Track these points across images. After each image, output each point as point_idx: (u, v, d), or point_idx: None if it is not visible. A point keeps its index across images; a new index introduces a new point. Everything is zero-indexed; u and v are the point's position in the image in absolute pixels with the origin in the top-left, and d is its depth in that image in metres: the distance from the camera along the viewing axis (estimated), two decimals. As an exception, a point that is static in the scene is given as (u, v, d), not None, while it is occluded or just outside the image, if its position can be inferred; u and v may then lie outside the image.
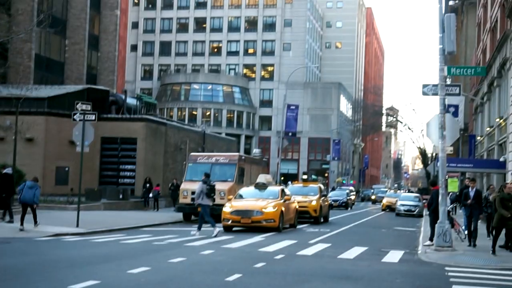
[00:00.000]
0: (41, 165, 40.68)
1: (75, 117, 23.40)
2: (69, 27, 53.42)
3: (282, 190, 25.79)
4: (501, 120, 35.71)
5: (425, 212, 33.95)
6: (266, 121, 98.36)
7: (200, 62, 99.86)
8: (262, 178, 27.88)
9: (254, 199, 24.20)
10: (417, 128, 69.43)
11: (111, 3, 57.84)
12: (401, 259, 16.13)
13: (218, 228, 21.24)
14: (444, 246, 17.51)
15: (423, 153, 71.21)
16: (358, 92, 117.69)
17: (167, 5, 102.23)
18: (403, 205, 43.01)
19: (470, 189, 19.64)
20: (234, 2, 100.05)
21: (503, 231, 17.53)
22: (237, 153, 39.51)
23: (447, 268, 14.16)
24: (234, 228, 23.32)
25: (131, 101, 52.17)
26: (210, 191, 21.55)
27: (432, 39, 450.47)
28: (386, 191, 76.03)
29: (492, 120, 40.94)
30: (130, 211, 35.50)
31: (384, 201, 53.05)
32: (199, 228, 21.31)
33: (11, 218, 22.60)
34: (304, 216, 29.11)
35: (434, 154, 64.53)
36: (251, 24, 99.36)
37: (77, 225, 22.12)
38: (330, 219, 32.70)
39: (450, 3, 66.18)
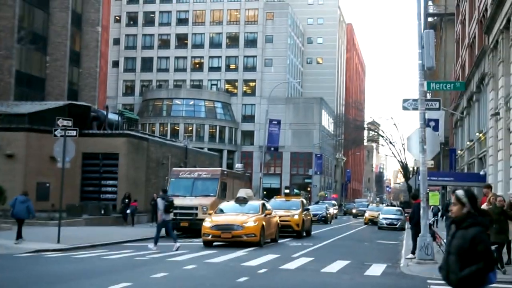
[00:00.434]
0: (22, 181, 40.29)
1: (56, 133, 23.29)
2: (50, 43, 53.23)
3: (263, 205, 25.55)
4: (481, 134, 36.11)
5: (407, 225, 34.10)
6: (248, 136, 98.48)
7: (182, 77, 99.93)
8: (242, 192, 27.59)
9: (234, 214, 23.89)
10: (398, 142, 69.74)
11: (92, 19, 57.77)
12: (384, 272, 16.19)
13: (179, 243, 21.50)
14: (426, 259, 17.61)
15: (404, 167, 71.53)
16: (339, 107, 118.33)
17: (149, 22, 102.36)
18: (385, 218, 43.14)
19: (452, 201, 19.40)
20: (216, 18, 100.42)
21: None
22: (219, 168, 39.46)
23: (429, 281, 14.23)
24: (215, 243, 23.01)
25: (112, 116, 51.95)
26: (168, 207, 21.89)
27: (412, 55, 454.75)
28: (368, 204, 76.11)
29: (472, 134, 41.37)
30: (112, 226, 35.28)
31: (367, 214, 53.15)
32: (155, 243, 21.46)
33: None
34: (286, 230, 29.05)
35: (415, 168, 64.94)
36: (233, 40, 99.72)
37: (58, 241, 21.94)
38: (312, 233, 32.69)
39: (429, 19, 67.06)
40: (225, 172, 34.44)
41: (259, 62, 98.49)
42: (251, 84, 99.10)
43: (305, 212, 31.29)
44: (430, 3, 69.69)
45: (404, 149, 65.64)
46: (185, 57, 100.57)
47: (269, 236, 24.54)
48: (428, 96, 45.04)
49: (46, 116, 42.42)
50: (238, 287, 12.64)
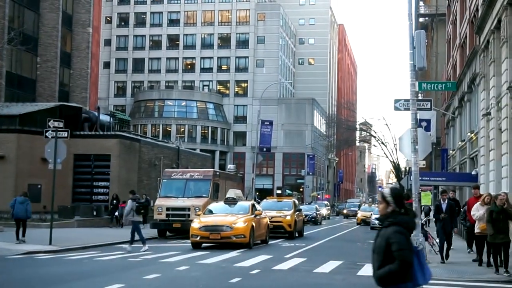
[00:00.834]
0: (13, 183, 40.16)
1: (47, 134, 23.20)
2: (40, 44, 53.04)
3: (253, 205, 25.19)
4: (472, 134, 36.22)
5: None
6: (240, 136, 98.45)
7: (174, 78, 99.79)
8: (231, 193, 27.28)
9: (223, 215, 23.54)
10: (390, 143, 69.70)
11: (83, 20, 57.62)
12: (376, 272, 16.16)
13: (148, 245, 21.62)
14: (418, 259, 17.62)
15: (396, 167, 71.58)
16: (331, 107, 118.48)
17: (140, 23, 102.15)
18: (377, 218, 43.17)
19: (442, 201, 18.63)
20: (207, 19, 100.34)
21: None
22: (211, 169, 39.42)
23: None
24: (204, 245, 22.71)
25: (104, 118, 51.83)
26: (139, 208, 22.07)
27: (403, 55, 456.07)
28: (359, 205, 75.99)
29: (463, 134, 41.50)
30: (104, 228, 35.15)
31: (359, 215, 53.18)
32: (130, 243, 21.60)
33: None
34: (278, 231, 29.02)
35: (407, 168, 65.06)
36: (224, 41, 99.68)
37: (50, 243, 21.85)
38: (304, 234, 32.66)
39: (421, 20, 67.22)
40: (218, 173, 34.39)
41: (251, 63, 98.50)
42: (243, 85, 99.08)
43: (297, 212, 31.18)
44: (421, 3, 69.84)
45: (396, 150, 65.73)
46: (176, 58, 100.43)
47: (259, 237, 24.25)
48: (420, 97, 45.16)
49: (37, 117, 42.29)
50: (231, 287, 12.61)
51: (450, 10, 52.18)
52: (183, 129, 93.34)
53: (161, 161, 49.16)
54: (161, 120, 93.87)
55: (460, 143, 42.67)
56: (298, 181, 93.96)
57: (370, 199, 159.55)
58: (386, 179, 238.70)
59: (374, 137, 73.45)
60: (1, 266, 16.38)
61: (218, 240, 22.13)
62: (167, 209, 29.14)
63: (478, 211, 16.62)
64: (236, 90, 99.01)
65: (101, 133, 46.40)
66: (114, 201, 37.77)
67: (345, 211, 73.03)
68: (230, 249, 21.20)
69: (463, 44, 41.72)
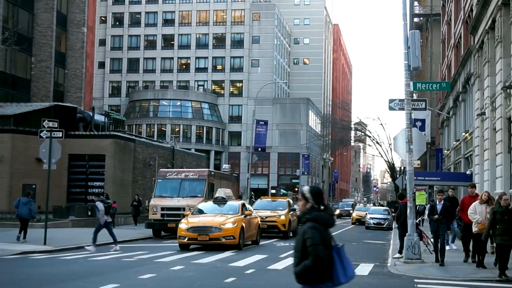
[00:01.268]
0: (8, 183, 40.09)
1: (41, 134, 23.18)
2: (35, 44, 52.93)
3: (243, 205, 24.49)
4: (467, 134, 36.31)
5: (394, 225, 34.20)
6: (235, 136, 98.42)
7: (169, 78, 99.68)
8: (221, 192, 26.49)
9: (212, 215, 22.85)
10: (385, 142, 69.91)
11: (77, 20, 57.51)
12: (371, 271, 16.23)
13: (119, 245, 21.65)
14: (413, 259, 17.66)
15: (391, 167, 71.78)
16: (326, 107, 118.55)
17: (134, 23, 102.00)
18: (372, 218, 43.30)
19: (437, 202, 17.94)
20: (202, 19, 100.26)
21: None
22: (206, 169, 39.39)
23: (416, 280, 14.28)
24: (192, 246, 22.09)
25: (99, 118, 51.76)
26: (107, 209, 22.22)
27: (398, 55, 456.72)
28: (353, 204, 75.77)
29: (458, 134, 41.59)
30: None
31: (354, 214, 53.27)
32: (93, 241, 21.71)
33: None
34: (273, 231, 28.93)
35: (402, 168, 65.18)
36: (219, 41, 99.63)
37: (45, 243, 21.81)
38: None
39: (415, 20, 67.34)
40: (212, 172, 34.39)
41: (245, 63, 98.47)
42: (238, 84, 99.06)
43: (292, 212, 30.89)
44: (416, 3, 69.98)
45: (391, 149, 65.89)
46: (171, 58, 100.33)
47: (250, 238, 23.64)
48: (415, 96, 45.25)
49: (31, 117, 42.21)
50: (226, 287, 12.61)
51: (444, 10, 52.28)
52: (178, 129, 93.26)
53: (156, 161, 49.13)
54: (156, 120, 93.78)
55: (454, 142, 42.77)
56: (293, 181, 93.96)
57: (365, 198, 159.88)
58: (381, 178, 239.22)
59: (369, 136, 73.62)
60: (-4, 266, 16.34)
61: (207, 242, 21.46)
62: (162, 209, 29.13)
63: (476, 210, 16.31)
64: (231, 90, 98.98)
65: (96, 133, 46.35)
66: None
67: (337, 211, 71.39)
68: (221, 250, 20.77)
69: (458, 44, 41.81)
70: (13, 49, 43.99)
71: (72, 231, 30.75)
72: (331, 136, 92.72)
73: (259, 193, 77.44)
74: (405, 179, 26.39)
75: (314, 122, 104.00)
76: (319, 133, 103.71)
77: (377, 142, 70.18)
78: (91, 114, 49.56)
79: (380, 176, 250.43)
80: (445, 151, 48.68)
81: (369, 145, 79.84)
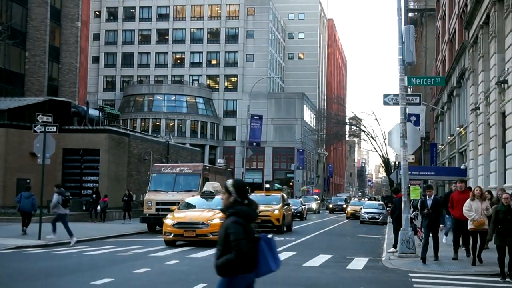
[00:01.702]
0: (2, 178, 39.98)
1: (36, 128, 23.11)
2: (29, 38, 52.72)
3: None
4: (461, 129, 36.41)
5: (389, 219, 34.28)
6: (230, 131, 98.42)
7: (163, 73, 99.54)
8: (209, 186, 25.58)
9: (199, 210, 22.17)
10: (380, 137, 69.92)
11: (71, 15, 57.28)
12: (366, 266, 16.27)
13: (75, 238, 21.51)
14: (408, 253, 17.72)
15: (386, 161, 71.88)
16: (321, 102, 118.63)
17: (129, 17, 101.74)
18: (367, 212, 43.37)
19: (427, 197, 17.22)
20: (196, 13, 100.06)
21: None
22: (201, 163, 39.40)
23: (410, 275, 14.33)
24: (178, 243, 21.26)
25: (93, 112, 51.61)
26: (65, 201, 22.31)
27: (393, 50, 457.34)
28: (345, 199, 75.61)
29: (452, 128, 41.70)
30: (93, 222, 35.06)
31: (349, 209, 53.31)
32: (53, 231, 22.05)
33: None
34: (266, 226, 28.41)
35: (396, 163, 65.27)
36: (214, 36, 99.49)
37: (39, 237, 21.79)
38: (293, 228, 32.58)
39: (410, 15, 67.41)
40: (207, 167, 34.38)
41: (240, 58, 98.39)
42: (233, 79, 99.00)
43: (286, 207, 30.71)
44: (410, -2, 69.96)
45: (385, 144, 65.96)
46: (166, 53, 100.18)
47: None
48: (409, 91, 45.31)
49: (25, 112, 42.08)
50: (220, 282, 12.61)
51: (439, 5, 52.32)
52: (172, 124, 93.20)
53: (151, 155, 49.07)
54: (150, 114, 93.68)
55: (449, 137, 42.88)
56: (288, 175, 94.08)
57: (360, 193, 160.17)
58: (375, 173, 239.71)
59: (364, 131, 73.69)
60: (-10, 261, 16.32)
61: (193, 238, 20.62)
62: (157, 203, 29.13)
63: (472, 207, 15.84)
64: (226, 85, 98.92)
65: (90, 127, 46.23)
66: (94, 196, 37.41)
67: (331, 206, 71.22)
68: (209, 247, 19.68)
69: (452, 39, 41.88)
70: (7, 43, 43.78)
71: (67, 226, 30.67)
72: (326, 130, 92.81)
73: (254, 187, 77.48)
74: (399, 173, 26.45)
75: (309, 116, 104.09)
76: (314, 127, 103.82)
77: (372, 137, 70.29)
78: (85, 108, 49.43)
79: (374, 170, 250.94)
80: (440, 146, 48.82)
81: (363, 139, 79.94)
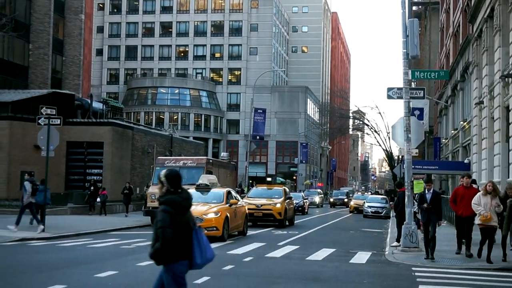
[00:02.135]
0: (6, 170, 40.09)
1: (39, 121, 23.13)
2: (32, 31, 52.68)
3: (228, 193, 22.76)
4: (465, 123, 36.34)
5: (392, 213, 34.28)
6: (233, 124, 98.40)
7: (167, 66, 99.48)
8: (204, 179, 24.64)
9: (194, 204, 22.12)
10: (383, 131, 69.86)
11: (75, 7, 57.22)
12: (369, 260, 16.29)
13: (42, 226, 21.59)
14: (411, 247, 17.72)
15: (389, 155, 71.80)
16: (324, 95, 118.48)
17: (132, 10, 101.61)
18: (370, 206, 43.39)
19: (426, 191, 16.57)
20: (200, 6, 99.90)
21: None
22: (204, 157, 39.48)
23: (413, 268, 14.34)
24: None
25: (97, 105, 51.69)
26: (35, 190, 22.46)
27: (397, 44, 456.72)
28: (347, 192, 74.94)
29: (456, 122, 41.62)
30: (97, 215, 35.14)
31: (352, 203, 53.39)
32: (17, 223, 21.99)
33: None
34: (268, 219, 28.51)
35: (400, 157, 65.19)
36: (218, 29, 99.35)
37: (43, 230, 21.85)
38: (295, 222, 32.23)
39: (414, 8, 67.13)
40: (211, 160, 34.41)
41: (244, 51, 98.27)
42: (236, 72, 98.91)
43: (288, 200, 30.41)
44: (415, -9, 69.70)
45: (389, 138, 65.94)
46: (169, 46, 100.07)
47: (236, 229, 22.20)
48: (413, 85, 45.22)
49: (29, 104, 42.15)
50: (224, 274, 12.66)
51: (443, -2, 52.11)
52: (176, 117, 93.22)
53: (154, 148, 49.14)
54: (154, 107, 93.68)
55: (452, 131, 42.81)
56: (291, 169, 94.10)
57: (363, 187, 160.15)
58: (379, 167, 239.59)
59: (367, 125, 73.63)
60: (-6, 253, 16.39)
61: None
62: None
63: (480, 201, 15.15)
64: (229, 78, 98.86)
65: (94, 120, 46.31)
66: (92, 188, 37.31)
67: (332, 200, 70.16)
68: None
69: (456, 32, 41.75)
70: (11, 35, 43.80)
71: (71, 218, 30.80)
72: (329, 124, 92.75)
73: (257, 181, 77.53)
74: (403, 167, 26.47)
75: (312, 110, 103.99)
76: (317, 121, 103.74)
77: (375, 131, 70.22)
78: (89, 101, 49.50)
79: (378, 164, 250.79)
80: (443, 140, 48.74)
81: (367, 133, 79.90)
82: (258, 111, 60.03)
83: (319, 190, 75.19)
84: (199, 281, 11.57)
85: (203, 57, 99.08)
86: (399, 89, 20.51)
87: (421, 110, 40.13)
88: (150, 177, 35.62)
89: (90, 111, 47.87)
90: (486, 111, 27.65)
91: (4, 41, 48.83)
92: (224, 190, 23.16)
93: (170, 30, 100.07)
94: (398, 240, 19.37)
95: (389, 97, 20.95)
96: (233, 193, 23.73)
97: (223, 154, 51.49)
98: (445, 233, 22.58)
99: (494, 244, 15.31)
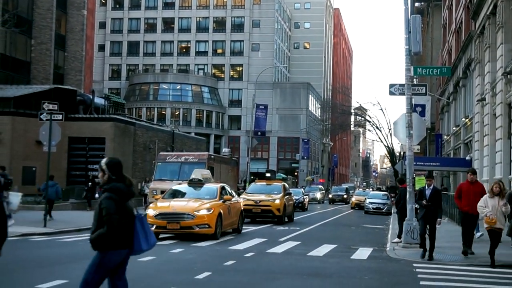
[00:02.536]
0: (8, 165, 39.94)
1: (41, 116, 23.16)
2: (35, 26, 52.68)
3: (222, 188, 21.55)
4: (467, 120, 36.32)
5: (393, 209, 34.29)
6: (235, 120, 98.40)
7: (169, 62, 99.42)
8: (197, 173, 23.35)
9: (185, 199, 20.19)
10: (385, 127, 69.87)
11: (77, 3, 57.20)
12: (370, 256, 16.30)
13: (13, 220, 21.03)
14: (412, 243, 17.72)
15: (391, 152, 71.78)
16: (326, 92, 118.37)
17: (135, 5, 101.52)
18: (371, 203, 43.40)
19: (426, 187, 15.97)
20: (202, 2, 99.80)
21: None
22: (206, 153, 39.47)
23: (415, 265, 14.34)
24: (161, 236, 19.16)
25: (99, 101, 51.67)
26: (6, 184, 22.55)
27: (399, 40, 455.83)
28: (346, 188, 73.46)
29: (458, 119, 41.59)
30: (88, 211, 35.05)
31: (353, 199, 53.42)
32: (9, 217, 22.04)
33: None
34: (267, 216, 28.00)
35: (401, 153, 65.15)
36: (220, 25, 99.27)
37: (45, 225, 21.90)
38: (295, 218, 31.68)
39: (416, 4, 67.02)
40: (212, 156, 34.44)
41: (246, 47, 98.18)
42: (238, 68, 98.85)
43: (287, 196, 29.82)
44: (417, -12, 69.55)
45: (390, 134, 65.89)
46: (171, 42, 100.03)
47: (230, 226, 21.14)
48: (415, 81, 45.17)
49: (31, 100, 42.18)
50: (225, 270, 12.68)
51: (446, -5, 52.00)
52: (178, 113, 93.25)
53: (156, 144, 49.15)
54: (156, 103, 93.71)
55: (454, 128, 42.78)
56: (293, 165, 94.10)
57: (365, 183, 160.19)
58: (380, 163, 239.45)
59: (369, 121, 73.59)
60: (-4, 248, 16.39)
61: (177, 231, 18.85)
62: (162, 192, 29.15)
63: (488, 203, 14.29)
64: (231, 74, 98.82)
65: (96, 116, 46.31)
66: (90, 183, 37.18)
67: (330, 196, 67.99)
68: (194, 240, 18.34)
69: (459, 29, 41.69)
70: (13, 31, 43.82)
71: (72, 214, 30.83)
72: (331, 120, 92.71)
73: (259, 177, 77.45)
74: (404, 164, 26.45)
75: (314, 106, 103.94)
76: (319, 117, 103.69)
77: (377, 127, 70.18)
78: (91, 97, 49.49)
79: (379, 161, 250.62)
80: (445, 137, 48.71)
81: (369, 130, 79.84)
82: (260, 107, 60.04)
83: (320, 186, 75.12)
84: (201, 276, 11.60)
85: (205, 53, 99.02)
86: (401, 85, 20.50)
87: (423, 106, 40.10)
88: (152, 172, 35.65)
89: (92, 106, 47.88)
90: (488, 108, 27.62)
91: (7, 37, 48.84)
92: (218, 185, 22.03)
93: (172, 26, 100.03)
94: (399, 237, 19.39)
95: (391, 93, 20.94)
96: (228, 188, 22.65)
97: (225, 150, 51.56)
98: (447, 229, 22.59)
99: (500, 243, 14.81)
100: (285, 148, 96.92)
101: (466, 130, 37.26)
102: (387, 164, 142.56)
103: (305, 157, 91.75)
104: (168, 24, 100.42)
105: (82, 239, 19.19)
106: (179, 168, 30.63)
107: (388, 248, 18.07)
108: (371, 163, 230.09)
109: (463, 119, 37.81)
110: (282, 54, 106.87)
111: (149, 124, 56.53)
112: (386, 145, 70.51)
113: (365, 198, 46.86)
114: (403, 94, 19.68)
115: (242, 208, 23.48)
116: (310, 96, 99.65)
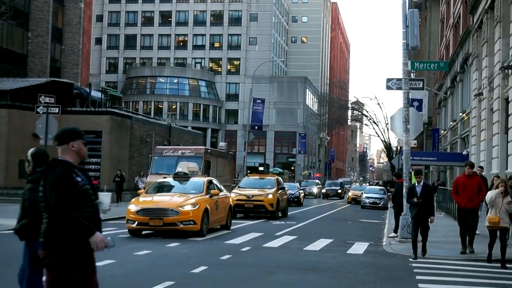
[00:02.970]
0: (4, 159, 40.05)
1: (38, 109, 23.17)
2: (31, 19, 52.49)
3: (209, 182, 20.36)
4: (464, 114, 36.33)
5: (390, 204, 34.33)
6: (232, 114, 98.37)
7: (166, 55, 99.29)
8: (183, 166, 21.97)
9: (170, 194, 19.14)
10: (382, 122, 69.86)
11: (75, -5, 57.03)
12: (366, 250, 16.31)
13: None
14: (408, 238, 17.68)
15: (388, 146, 71.87)
16: (324, 86, 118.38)
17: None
18: (368, 197, 43.41)
19: (416, 184, 15.34)
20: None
21: None
22: (203, 147, 39.41)
23: (410, 259, 14.35)
24: (144, 232, 18.44)
25: (95, 94, 51.56)
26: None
27: (397, 34, 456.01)
28: (341, 183, 71.71)
29: (455, 114, 41.62)
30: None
31: (350, 193, 53.39)
32: None
33: None
34: (259, 211, 27.29)
35: (398, 148, 65.22)
36: (217, 18, 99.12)
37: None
38: (289, 213, 31.11)
39: (414, -2, 66.92)
40: (209, 150, 34.38)
41: (243, 41, 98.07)
42: (235, 62, 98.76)
43: (281, 191, 28.90)
44: (415, -18, 69.51)
45: (387, 129, 65.93)
46: (169, 35, 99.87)
47: (217, 222, 20.05)
48: (412, 76, 45.17)
49: (28, 93, 42.04)
50: (222, 264, 12.68)
51: (444, -11, 51.96)
52: (175, 106, 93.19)
53: (153, 138, 49.08)
54: (153, 97, 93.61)
55: (451, 123, 42.81)
56: (290, 159, 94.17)
57: (361, 178, 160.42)
58: (377, 158, 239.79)
59: (366, 116, 73.64)
60: (-8, 241, 16.38)
61: (160, 228, 17.76)
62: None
63: (494, 202, 13.58)
64: (229, 68, 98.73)
65: (93, 109, 46.22)
66: None
67: (324, 190, 65.12)
68: (178, 238, 17.27)
69: (457, 23, 41.66)
70: (10, 23, 43.65)
71: (69, 207, 30.70)
72: (328, 115, 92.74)
73: (256, 171, 77.55)
74: (401, 158, 26.45)
75: (311, 101, 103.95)
76: (316, 112, 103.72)
77: (374, 122, 70.26)
78: (87, 90, 49.38)
79: (376, 155, 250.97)
80: (442, 131, 48.76)
81: (366, 124, 79.92)
82: (257, 101, 60.03)
83: (317, 181, 75.11)
84: (197, 270, 11.58)
85: (202, 47, 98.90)
86: (398, 80, 20.47)
87: (420, 101, 40.13)
88: (148, 166, 35.59)
89: (89, 100, 47.77)
90: (486, 102, 27.63)
91: (3, 29, 48.67)
92: (205, 179, 20.77)
93: (170, 19, 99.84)
94: (395, 231, 19.40)
95: (388, 87, 20.90)
96: (215, 182, 21.43)
97: (222, 144, 51.40)
98: (443, 224, 22.62)
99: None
100: (282, 142, 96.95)
101: (463, 124, 37.29)
102: (384, 158, 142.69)
103: (302, 152, 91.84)
104: (165, 18, 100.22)
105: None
106: (175, 162, 30.45)
107: (384, 243, 18.07)
108: (368, 158, 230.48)
109: (460, 113, 37.84)
110: (279, 48, 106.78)
111: (146, 118, 56.46)
112: (383, 139, 70.59)
113: (362, 193, 46.85)
114: (400, 88, 19.65)
115: (232, 203, 22.44)
116: (307, 90, 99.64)
